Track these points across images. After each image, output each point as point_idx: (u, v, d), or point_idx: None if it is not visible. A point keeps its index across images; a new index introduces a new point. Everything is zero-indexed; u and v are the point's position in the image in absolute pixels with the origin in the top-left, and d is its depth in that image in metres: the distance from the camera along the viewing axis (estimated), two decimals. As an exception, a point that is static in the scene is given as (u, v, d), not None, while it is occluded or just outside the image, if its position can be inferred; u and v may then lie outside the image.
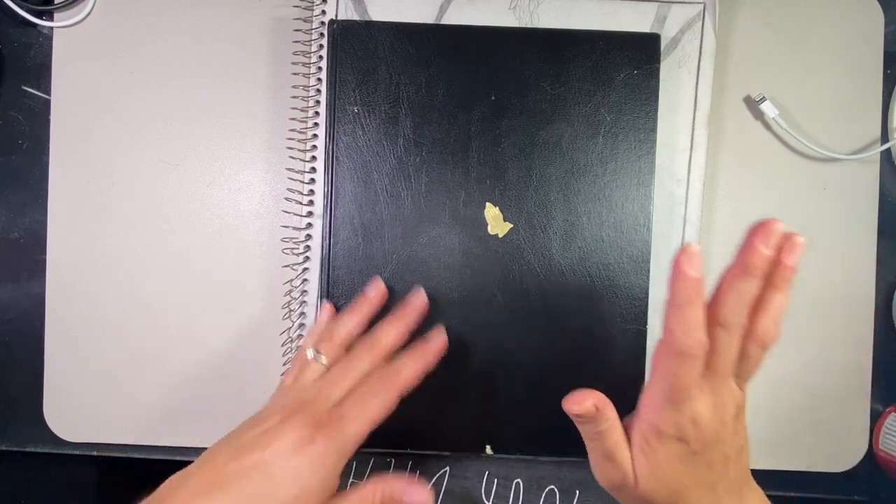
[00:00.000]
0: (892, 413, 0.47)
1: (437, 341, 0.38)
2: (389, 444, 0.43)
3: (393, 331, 0.37)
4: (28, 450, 0.47)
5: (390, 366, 0.35)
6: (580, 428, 0.34)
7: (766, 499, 0.35)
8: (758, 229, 0.30)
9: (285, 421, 0.32)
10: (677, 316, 0.30)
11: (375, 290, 0.39)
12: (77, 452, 0.47)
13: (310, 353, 0.35)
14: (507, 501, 0.38)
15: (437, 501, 0.38)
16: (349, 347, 0.37)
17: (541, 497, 0.38)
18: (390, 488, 0.33)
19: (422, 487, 0.33)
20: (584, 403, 0.32)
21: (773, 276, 0.30)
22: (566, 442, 0.43)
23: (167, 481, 0.32)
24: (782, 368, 0.47)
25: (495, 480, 0.39)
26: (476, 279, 0.42)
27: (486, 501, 0.38)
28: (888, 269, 0.48)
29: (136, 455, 0.46)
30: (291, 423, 0.32)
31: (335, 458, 0.32)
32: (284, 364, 0.44)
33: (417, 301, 0.40)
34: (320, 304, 0.40)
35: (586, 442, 0.34)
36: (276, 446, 0.31)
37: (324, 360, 0.35)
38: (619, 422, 0.33)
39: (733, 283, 0.30)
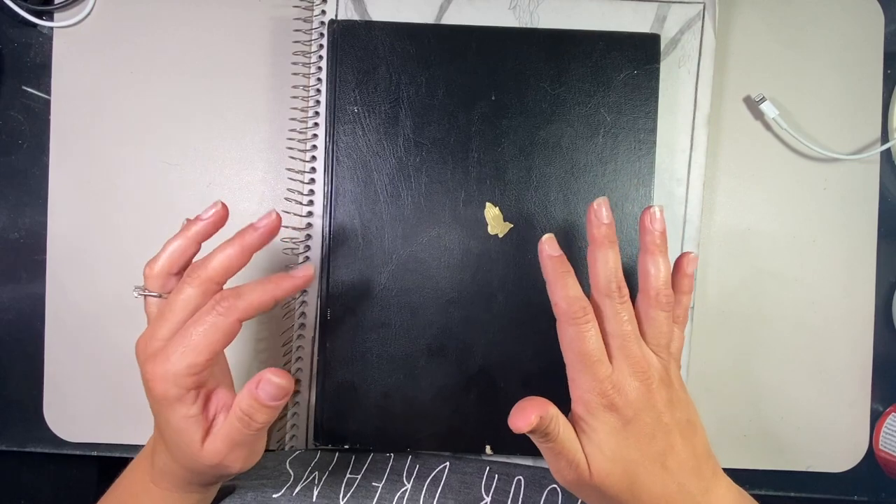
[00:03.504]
0: (892, 413, 0.47)
1: (300, 271, 0.34)
2: (389, 444, 0.43)
3: (225, 253, 0.33)
4: (28, 450, 0.47)
5: (230, 289, 0.32)
6: (531, 437, 0.33)
7: (737, 489, 0.34)
8: (591, 207, 0.34)
9: (141, 365, 0.32)
10: (554, 289, 0.34)
11: (213, 209, 0.35)
12: (77, 452, 0.47)
13: (135, 293, 0.33)
14: (508, 497, 0.38)
15: (436, 495, 0.38)
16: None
17: (542, 495, 0.38)
18: (244, 398, 0.31)
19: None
20: (530, 420, 0.31)
21: (645, 243, 0.34)
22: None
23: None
24: (782, 369, 0.47)
25: (496, 476, 0.39)
26: (476, 279, 0.42)
27: (485, 496, 0.38)
28: (888, 270, 0.48)
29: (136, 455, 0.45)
30: (141, 366, 0.32)
31: (166, 387, 0.30)
32: (284, 364, 0.44)
33: (264, 221, 0.34)
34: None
35: (538, 446, 0.33)
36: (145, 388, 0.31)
37: (136, 294, 0.33)
38: (563, 417, 0.33)
39: (594, 254, 0.34)
